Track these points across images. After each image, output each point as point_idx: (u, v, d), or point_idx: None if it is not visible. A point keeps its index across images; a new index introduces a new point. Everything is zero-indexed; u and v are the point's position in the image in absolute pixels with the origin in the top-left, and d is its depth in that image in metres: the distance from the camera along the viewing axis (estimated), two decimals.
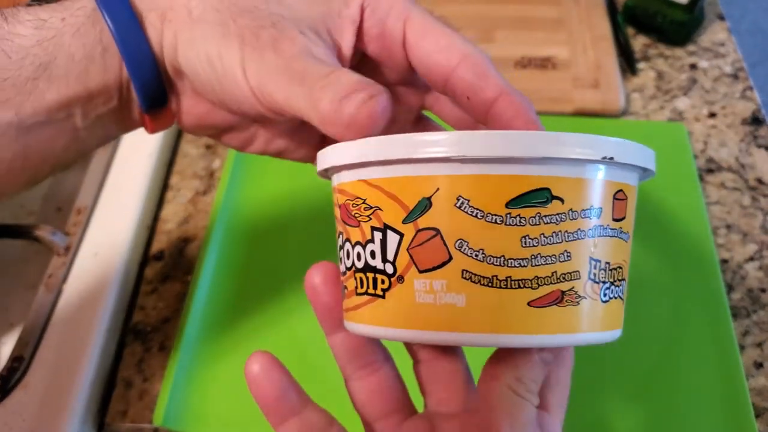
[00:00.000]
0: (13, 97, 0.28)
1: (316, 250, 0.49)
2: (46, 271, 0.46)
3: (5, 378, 0.41)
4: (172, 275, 0.49)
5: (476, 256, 0.23)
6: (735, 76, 0.60)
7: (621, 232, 0.25)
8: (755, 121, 0.57)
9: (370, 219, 0.25)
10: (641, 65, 0.61)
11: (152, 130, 0.32)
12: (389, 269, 0.24)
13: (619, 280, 0.25)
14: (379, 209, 0.24)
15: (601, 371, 0.42)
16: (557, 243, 0.23)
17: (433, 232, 0.23)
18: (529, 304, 0.23)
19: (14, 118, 0.28)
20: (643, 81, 0.60)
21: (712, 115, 0.57)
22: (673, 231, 0.49)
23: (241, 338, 0.45)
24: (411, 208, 0.24)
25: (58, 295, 0.45)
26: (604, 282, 0.24)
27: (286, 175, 0.53)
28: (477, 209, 0.23)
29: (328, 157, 0.26)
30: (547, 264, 0.23)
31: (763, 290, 0.47)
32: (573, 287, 0.23)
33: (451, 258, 0.23)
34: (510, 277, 0.23)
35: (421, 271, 0.24)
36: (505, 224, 0.23)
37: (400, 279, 0.24)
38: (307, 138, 0.34)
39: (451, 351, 0.29)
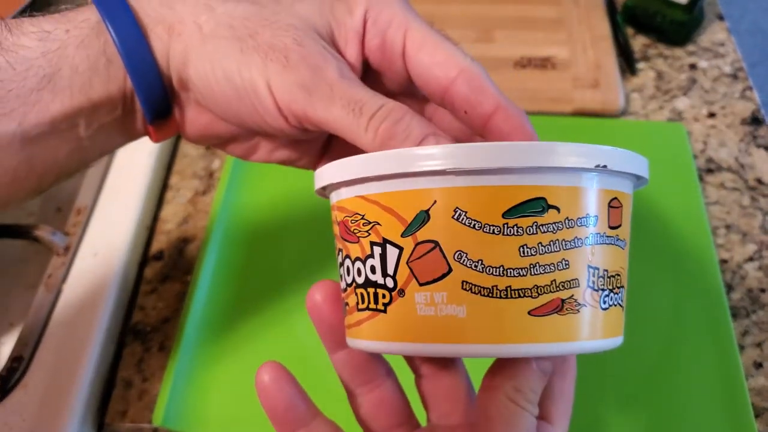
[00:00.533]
0: (18, 108, 0.28)
1: (316, 250, 0.49)
2: (46, 271, 0.46)
3: (5, 378, 0.41)
4: (172, 275, 0.49)
5: (475, 267, 0.23)
6: (734, 76, 0.60)
7: (618, 239, 0.25)
8: (755, 121, 0.57)
9: (369, 234, 0.25)
10: (641, 65, 0.61)
11: (156, 140, 0.32)
12: (390, 283, 0.25)
13: (618, 288, 0.25)
14: (378, 224, 0.25)
15: (601, 371, 0.42)
16: (555, 252, 0.23)
17: (432, 245, 0.24)
18: (529, 313, 0.23)
19: (18, 128, 0.28)
20: (642, 81, 0.60)
21: (712, 115, 0.57)
22: (672, 231, 0.49)
23: (241, 338, 0.45)
24: (409, 221, 0.24)
25: (57, 295, 0.45)
26: (603, 289, 0.24)
27: (286, 175, 0.53)
28: (474, 220, 0.23)
29: (325, 175, 0.27)
30: (546, 273, 0.23)
31: (762, 290, 0.47)
32: (572, 295, 0.24)
33: (450, 270, 0.23)
34: (510, 286, 0.23)
35: (421, 284, 0.24)
36: (503, 234, 0.23)
37: (401, 293, 0.24)
38: (308, 148, 0.34)
39: (452, 364, 0.29)
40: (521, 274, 0.23)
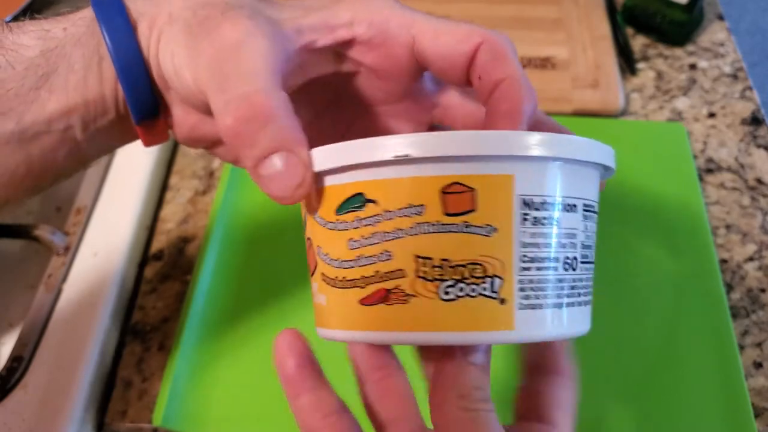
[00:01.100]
0: (16, 107, 0.28)
1: None
2: (46, 270, 0.46)
3: (5, 378, 0.41)
4: (172, 275, 0.49)
5: (326, 260, 0.26)
6: (734, 76, 0.60)
7: (467, 226, 0.24)
8: (755, 121, 0.57)
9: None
10: (640, 65, 0.61)
11: (146, 143, 0.32)
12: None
13: (477, 278, 0.24)
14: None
15: (601, 371, 0.42)
16: (376, 243, 0.24)
17: (309, 241, 0.27)
18: (360, 302, 0.25)
19: (16, 127, 0.28)
20: (642, 81, 0.60)
21: (712, 115, 0.57)
22: (672, 231, 0.49)
23: (241, 338, 0.45)
24: (302, 221, 0.28)
25: (57, 294, 0.45)
26: (442, 279, 0.24)
27: None
28: (321, 218, 0.26)
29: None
30: (370, 264, 0.24)
31: (762, 290, 0.47)
32: (398, 285, 0.24)
33: (317, 263, 0.27)
34: (345, 277, 0.25)
35: (311, 275, 0.28)
36: (337, 230, 0.25)
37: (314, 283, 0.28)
38: None
39: (387, 364, 0.29)
40: (351, 266, 0.25)
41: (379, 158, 0.24)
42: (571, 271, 0.25)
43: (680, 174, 0.52)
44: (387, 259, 0.24)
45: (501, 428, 0.25)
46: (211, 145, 0.32)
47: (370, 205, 0.24)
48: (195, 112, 0.30)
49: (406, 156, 0.23)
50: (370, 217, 0.24)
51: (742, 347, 0.44)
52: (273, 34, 0.27)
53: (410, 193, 0.24)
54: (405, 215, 0.24)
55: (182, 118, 0.31)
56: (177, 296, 0.48)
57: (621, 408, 0.41)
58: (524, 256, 0.24)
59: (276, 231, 0.50)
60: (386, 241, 0.24)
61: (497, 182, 0.23)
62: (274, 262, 0.48)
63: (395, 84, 0.31)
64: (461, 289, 0.24)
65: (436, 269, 0.24)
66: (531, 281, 0.24)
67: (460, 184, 0.23)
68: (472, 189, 0.23)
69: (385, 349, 0.29)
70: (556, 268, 0.24)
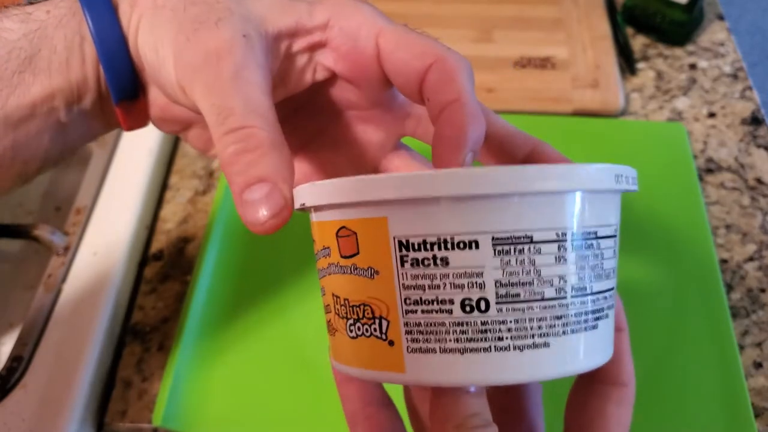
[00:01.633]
0: (0, 91, 0.28)
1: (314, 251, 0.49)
2: (45, 270, 0.46)
3: (4, 378, 0.41)
4: (171, 275, 0.49)
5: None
6: (734, 76, 0.60)
7: (355, 268, 0.24)
8: (755, 120, 0.57)
9: None
10: (640, 65, 0.61)
11: (126, 126, 0.32)
12: None
13: (369, 319, 0.24)
14: None
15: None
16: (319, 279, 0.26)
17: None
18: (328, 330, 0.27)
19: (1, 112, 0.28)
20: (642, 81, 0.60)
21: (712, 115, 0.57)
22: (672, 231, 0.49)
23: (240, 338, 0.45)
24: None
25: (57, 294, 0.45)
26: (346, 318, 0.24)
27: None
28: None
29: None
30: (322, 296, 0.26)
31: (762, 290, 0.47)
32: (329, 319, 0.26)
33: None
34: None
35: None
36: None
37: None
38: None
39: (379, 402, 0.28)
40: (322, 295, 0.27)
41: (301, 206, 0.26)
42: (477, 313, 0.22)
43: (680, 174, 0.52)
44: (323, 294, 0.26)
45: None
46: (182, 128, 0.33)
47: (315, 244, 0.26)
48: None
49: (303, 205, 0.25)
50: (316, 254, 0.26)
51: (742, 347, 0.44)
52: (262, 49, 0.28)
53: (321, 236, 0.25)
54: (323, 256, 0.25)
55: (155, 98, 0.31)
56: (177, 296, 0.48)
57: None
58: (407, 298, 0.23)
59: (275, 231, 0.50)
60: (320, 278, 0.26)
61: (373, 225, 0.23)
62: (273, 263, 0.48)
63: (365, 92, 0.31)
64: (359, 328, 0.24)
65: (343, 308, 0.25)
66: (418, 324, 0.23)
67: (346, 228, 0.24)
68: (354, 233, 0.24)
69: (375, 385, 0.28)
70: (450, 311, 0.22)
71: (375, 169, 0.34)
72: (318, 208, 0.25)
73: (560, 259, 0.23)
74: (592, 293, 0.23)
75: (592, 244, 0.23)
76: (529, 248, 0.22)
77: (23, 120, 0.29)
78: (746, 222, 0.50)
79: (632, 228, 0.49)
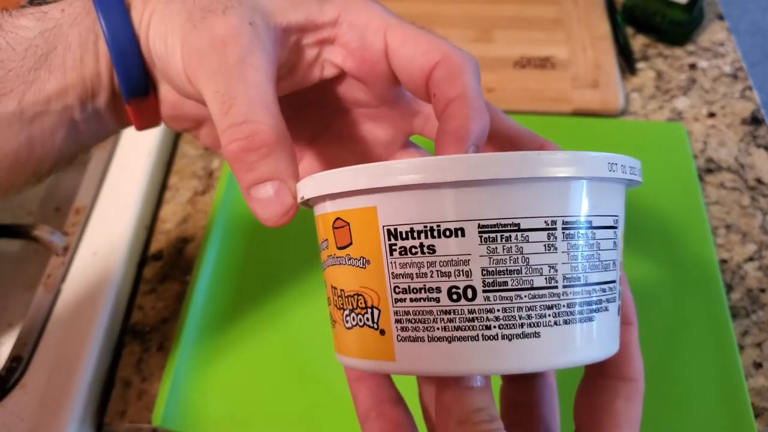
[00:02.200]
0: (17, 88, 0.28)
1: (315, 251, 0.49)
2: (45, 271, 0.46)
3: (4, 378, 0.41)
4: (171, 275, 0.49)
5: None
6: (734, 76, 0.60)
7: (350, 258, 0.24)
8: (754, 120, 0.57)
9: None
10: (640, 65, 0.61)
11: (138, 125, 0.32)
12: None
13: (361, 308, 0.24)
14: None
15: None
16: (323, 272, 0.27)
17: None
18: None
19: (17, 107, 0.28)
20: (642, 81, 0.60)
21: (712, 115, 0.57)
22: (672, 231, 0.49)
23: (240, 338, 0.45)
24: None
25: (56, 295, 0.45)
26: (343, 309, 0.25)
27: None
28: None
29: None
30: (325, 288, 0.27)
31: (762, 290, 0.47)
32: (330, 311, 0.26)
33: None
34: None
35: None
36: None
37: None
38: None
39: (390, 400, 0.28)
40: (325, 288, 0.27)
41: (301, 199, 0.26)
42: (464, 302, 0.22)
43: (680, 174, 0.52)
44: (326, 287, 0.26)
45: None
46: (194, 126, 0.33)
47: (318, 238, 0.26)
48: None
49: (302, 198, 0.25)
50: (319, 245, 0.26)
51: (742, 347, 0.44)
52: (269, 37, 0.28)
53: (321, 228, 0.26)
54: (323, 248, 0.26)
55: (166, 95, 0.31)
56: (176, 296, 0.48)
57: None
58: (396, 287, 0.23)
59: (275, 231, 0.50)
60: (323, 270, 0.26)
61: (363, 215, 0.23)
62: (273, 263, 0.48)
63: (373, 89, 0.31)
64: (353, 318, 0.24)
65: (340, 299, 0.25)
66: (407, 313, 0.23)
67: (341, 219, 0.24)
68: (347, 223, 0.24)
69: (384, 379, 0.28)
70: (437, 299, 0.22)
71: None
72: (316, 201, 0.25)
73: (550, 247, 0.22)
74: (588, 284, 0.23)
75: (586, 234, 0.23)
76: (516, 236, 0.22)
77: (38, 116, 0.29)
78: (746, 222, 0.50)
79: (632, 228, 0.49)
